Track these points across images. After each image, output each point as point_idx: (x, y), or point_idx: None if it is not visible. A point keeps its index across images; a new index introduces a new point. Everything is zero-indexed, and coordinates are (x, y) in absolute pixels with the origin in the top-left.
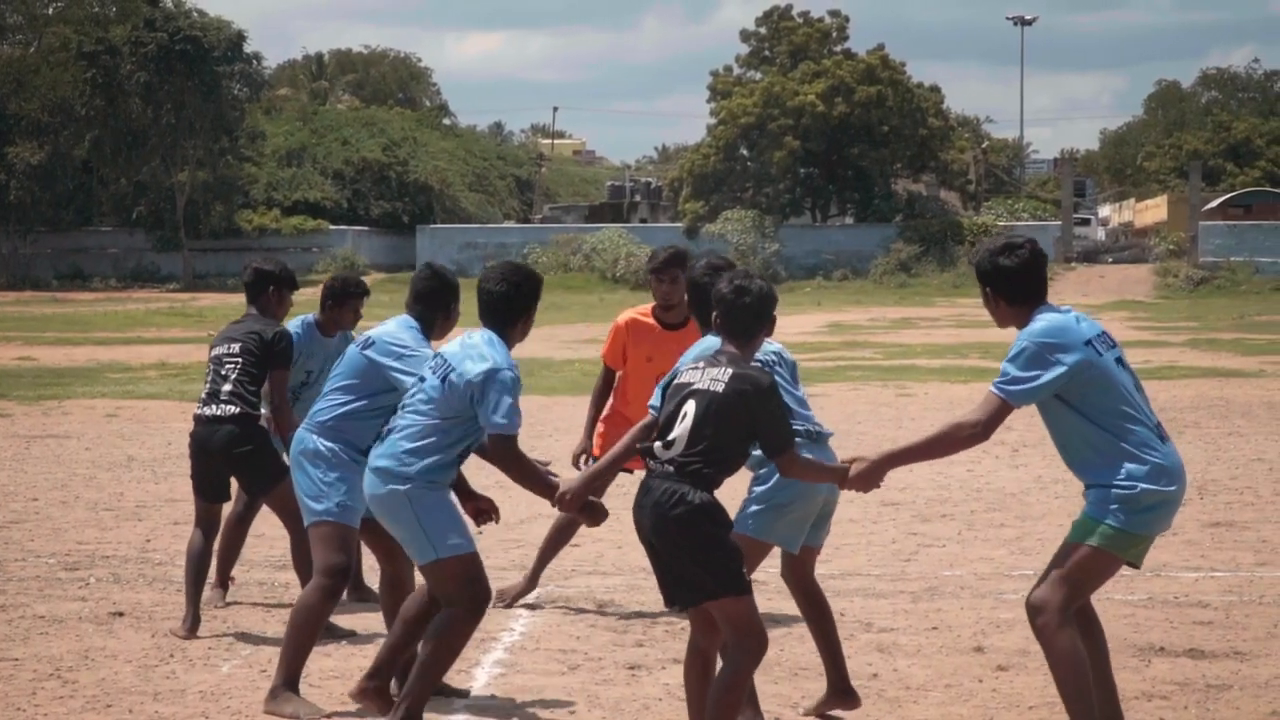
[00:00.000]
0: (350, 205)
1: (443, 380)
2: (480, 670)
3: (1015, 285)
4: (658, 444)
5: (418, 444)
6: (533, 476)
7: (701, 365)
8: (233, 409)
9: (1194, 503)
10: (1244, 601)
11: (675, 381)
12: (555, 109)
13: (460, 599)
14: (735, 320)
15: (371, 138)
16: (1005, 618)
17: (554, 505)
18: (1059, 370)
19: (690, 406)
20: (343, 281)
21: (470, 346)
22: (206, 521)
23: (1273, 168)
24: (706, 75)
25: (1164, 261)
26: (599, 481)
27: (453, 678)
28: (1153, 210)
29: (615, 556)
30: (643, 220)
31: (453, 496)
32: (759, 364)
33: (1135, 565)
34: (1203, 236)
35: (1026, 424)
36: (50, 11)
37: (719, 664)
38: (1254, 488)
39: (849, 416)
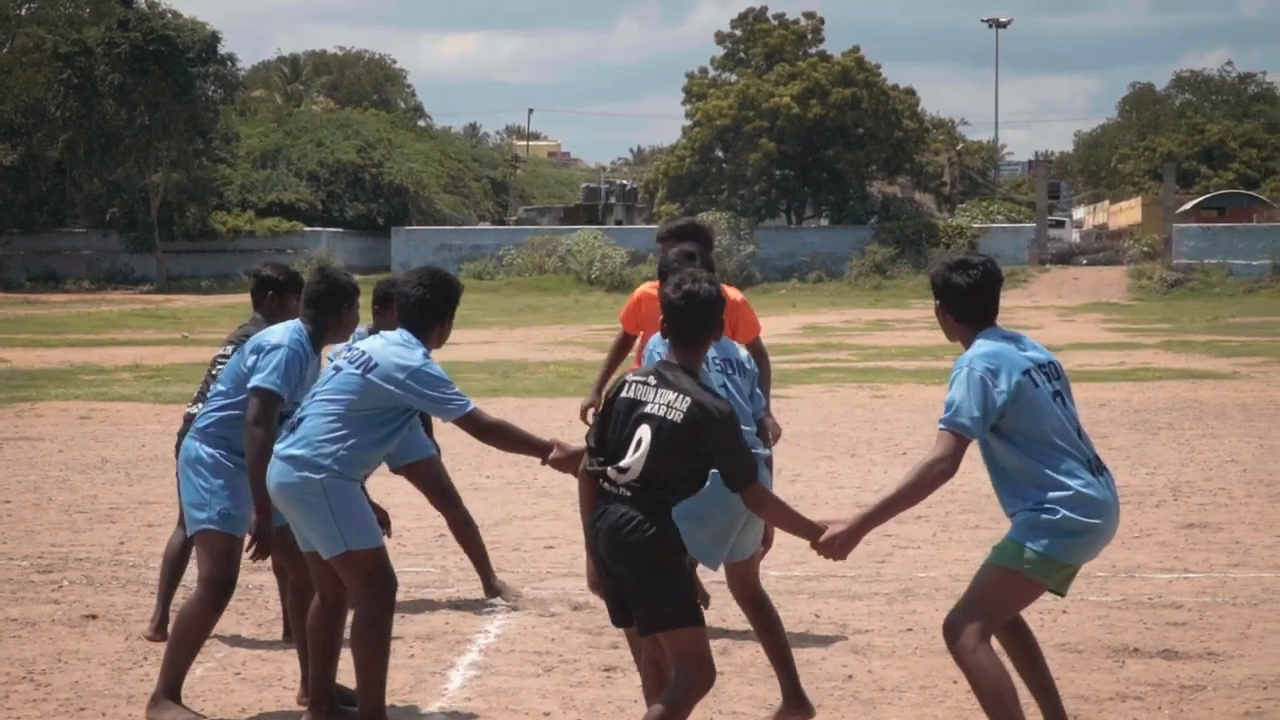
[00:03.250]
0: (325, 207)
1: (363, 373)
2: (455, 673)
3: (964, 303)
4: (611, 468)
5: (333, 434)
6: (518, 441)
7: (653, 382)
8: None
9: (1168, 504)
10: (1217, 603)
11: (624, 395)
12: (530, 111)
13: (368, 592)
14: (682, 325)
15: (346, 139)
16: None
17: (546, 463)
18: (999, 395)
19: (645, 433)
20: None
21: (391, 344)
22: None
23: (1246, 170)
24: (682, 77)
25: (1138, 264)
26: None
27: (427, 679)
28: (1127, 212)
29: None
30: (618, 222)
31: (363, 492)
32: (721, 362)
33: (1059, 593)
34: (1177, 239)
35: None
36: (24, 12)
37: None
38: (1227, 489)
39: (824, 419)
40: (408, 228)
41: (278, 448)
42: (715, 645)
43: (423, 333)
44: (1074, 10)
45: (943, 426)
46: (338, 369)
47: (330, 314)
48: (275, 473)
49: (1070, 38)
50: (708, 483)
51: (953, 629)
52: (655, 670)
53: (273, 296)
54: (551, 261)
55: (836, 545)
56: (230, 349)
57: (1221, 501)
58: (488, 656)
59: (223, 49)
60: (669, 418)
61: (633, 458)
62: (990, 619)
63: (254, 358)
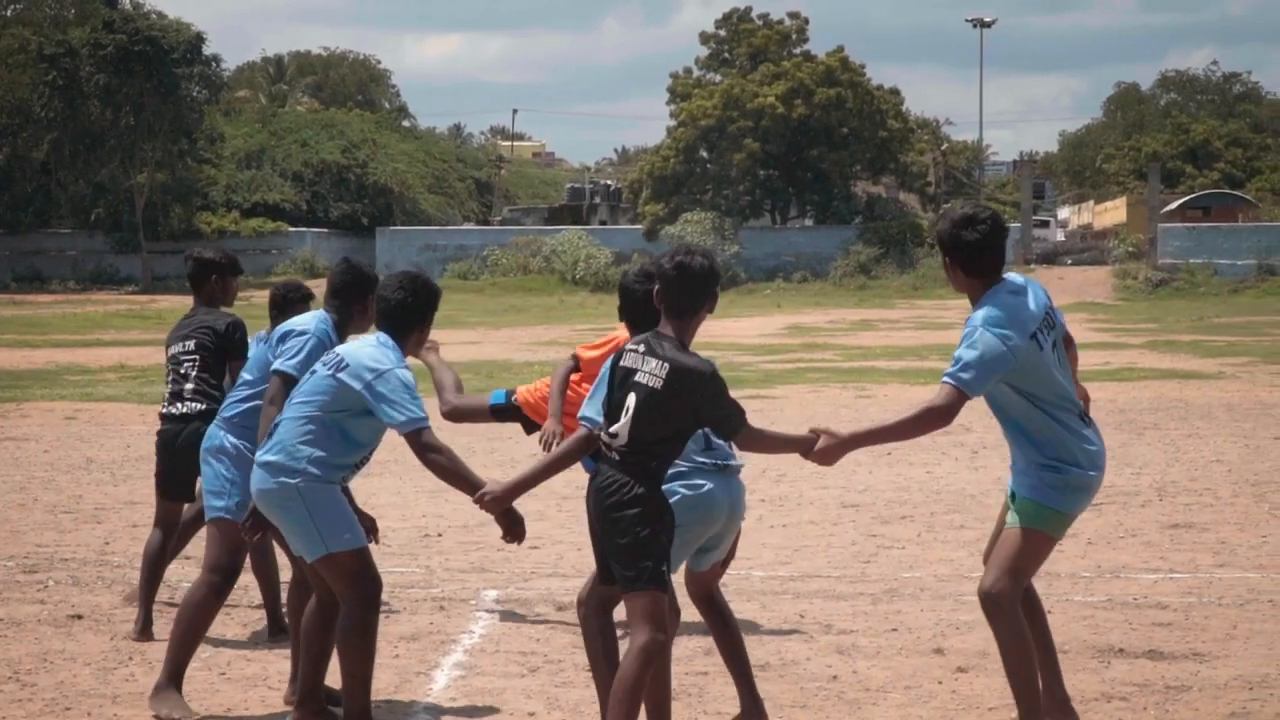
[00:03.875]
0: (309, 207)
1: (333, 373)
2: (440, 673)
3: (973, 257)
4: (610, 430)
5: (307, 437)
6: (455, 472)
7: (642, 350)
8: (198, 405)
9: (1153, 504)
10: (1203, 603)
11: (620, 364)
12: (515, 111)
13: (352, 594)
14: (676, 297)
15: (331, 140)
16: (965, 619)
17: (475, 503)
18: (1008, 360)
19: (632, 400)
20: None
21: (365, 346)
22: (166, 521)
23: (1231, 170)
24: (666, 77)
25: (1123, 263)
26: (526, 488)
27: (411, 679)
28: (1112, 212)
29: (575, 559)
30: (602, 222)
31: (343, 494)
32: None
33: (1059, 537)
34: (1162, 238)
35: (985, 425)
36: (8, 13)
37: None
38: (1213, 489)
39: (809, 418)
40: (392, 228)
41: (257, 454)
42: (700, 644)
43: (401, 337)
44: (1058, 10)
45: (946, 379)
46: (314, 371)
47: (355, 304)
48: (255, 479)
49: (1055, 37)
50: (687, 492)
51: (992, 595)
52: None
53: (216, 280)
54: (536, 262)
55: (828, 451)
56: (190, 343)
57: (1207, 502)
58: (472, 656)
59: (207, 49)
60: (650, 384)
61: (622, 423)
62: (1020, 580)
63: (281, 345)
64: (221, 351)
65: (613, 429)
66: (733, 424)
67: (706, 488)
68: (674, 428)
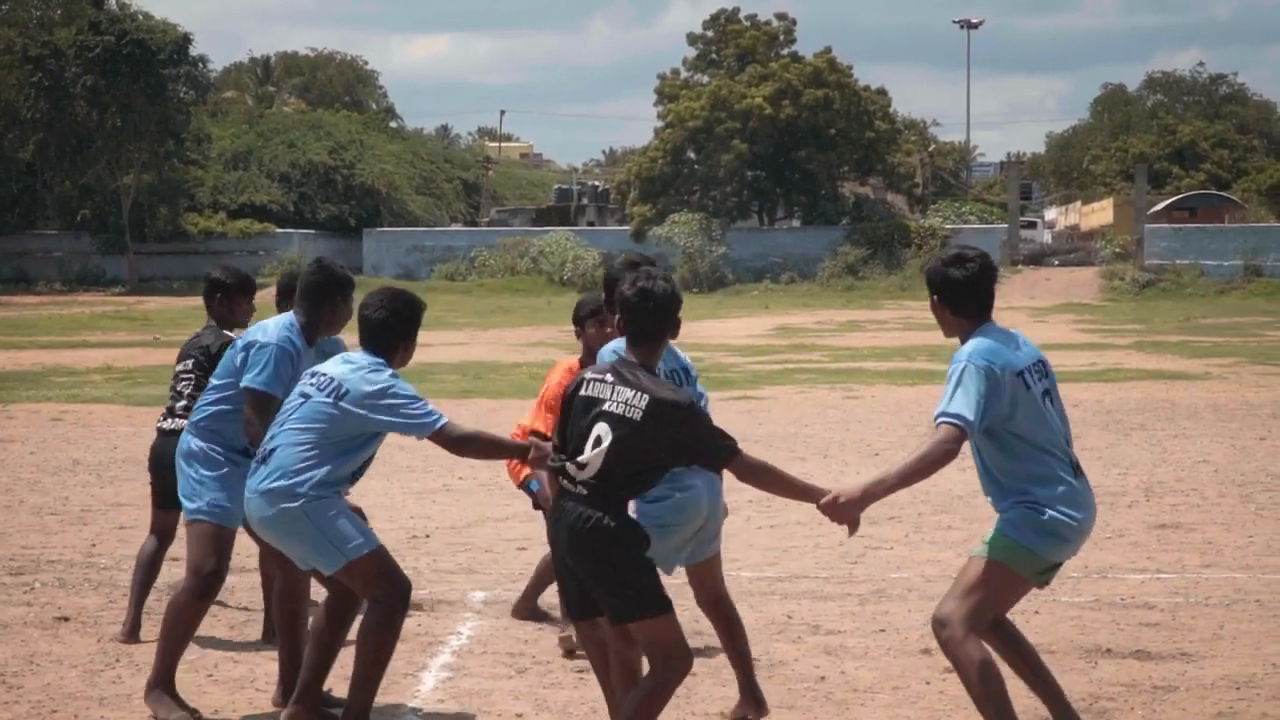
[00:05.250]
0: (297, 208)
1: (335, 401)
2: (428, 674)
3: (961, 297)
4: (571, 464)
5: (308, 462)
6: (495, 445)
7: (611, 380)
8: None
9: (1140, 505)
10: (1190, 603)
11: (582, 393)
12: (502, 112)
13: (384, 594)
14: (638, 323)
15: (318, 141)
16: None
17: (526, 462)
18: (998, 391)
19: (603, 430)
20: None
21: (358, 368)
22: (161, 529)
23: (1218, 171)
24: (654, 78)
25: (1110, 264)
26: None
27: (399, 681)
28: (1099, 213)
29: None
30: (590, 223)
31: (343, 501)
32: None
33: (1041, 586)
34: (1148, 239)
35: None
36: None
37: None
38: (1200, 489)
39: (796, 419)
40: (379, 229)
41: (251, 482)
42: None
43: (387, 354)
44: (1045, 11)
45: (941, 420)
46: (306, 396)
47: (325, 306)
48: (254, 508)
49: (1042, 39)
50: (679, 495)
51: (941, 621)
52: (623, 667)
53: (221, 300)
54: (524, 263)
55: (845, 507)
56: (188, 362)
57: (1194, 502)
58: (460, 658)
59: (194, 50)
60: (629, 415)
61: (591, 454)
62: (978, 611)
63: (244, 354)
64: (211, 370)
65: (581, 459)
66: (721, 456)
67: (695, 487)
68: (652, 461)
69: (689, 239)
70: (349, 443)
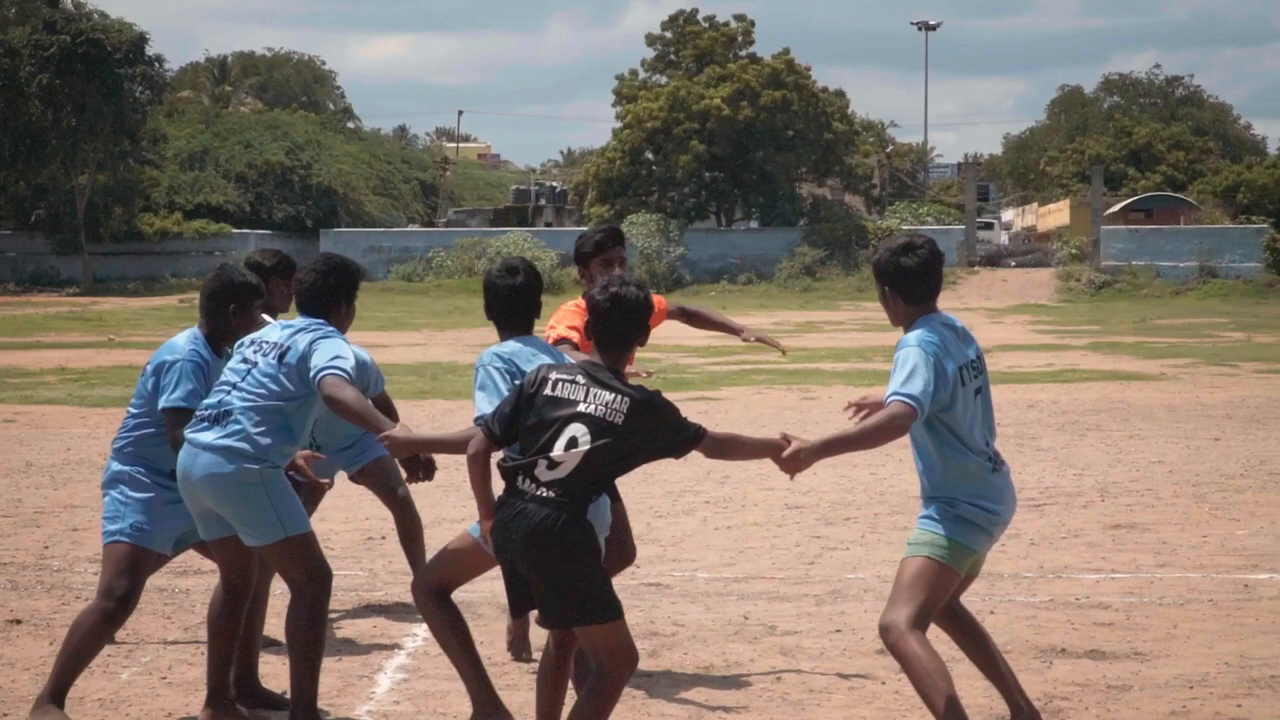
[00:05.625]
0: (253, 209)
1: (279, 361)
2: (383, 676)
3: (913, 284)
4: (542, 464)
5: (265, 425)
6: (360, 413)
7: (583, 381)
8: None
9: (1095, 505)
10: (1144, 603)
11: (547, 392)
12: (460, 112)
13: (306, 577)
14: (610, 329)
15: (275, 141)
16: None
17: (381, 438)
18: (944, 372)
19: (580, 432)
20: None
21: (297, 330)
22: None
23: (1174, 173)
24: (612, 79)
25: (1066, 265)
26: (427, 448)
27: (354, 683)
28: (1055, 214)
29: None
30: (548, 224)
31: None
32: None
33: (970, 576)
34: (1104, 241)
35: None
36: None
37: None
38: (1154, 490)
39: (754, 420)
40: (336, 230)
41: (201, 438)
42: (644, 647)
43: (324, 315)
44: (1002, 13)
45: (894, 398)
46: (251, 363)
47: (219, 314)
48: (204, 463)
49: (999, 40)
50: (614, 501)
51: (885, 627)
52: (551, 660)
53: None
54: (481, 263)
55: (799, 459)
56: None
57: (1148, 502)
58: (416, 660)
59: (150, 50)
60: (610, 419)
61: (566, 454)
62: (917, 607)
63: (154, 378)
64: None
65: (554, 456)
66: (691, 440)
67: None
68: (629, 463)
69: (647, 240)
70: (290, 408)
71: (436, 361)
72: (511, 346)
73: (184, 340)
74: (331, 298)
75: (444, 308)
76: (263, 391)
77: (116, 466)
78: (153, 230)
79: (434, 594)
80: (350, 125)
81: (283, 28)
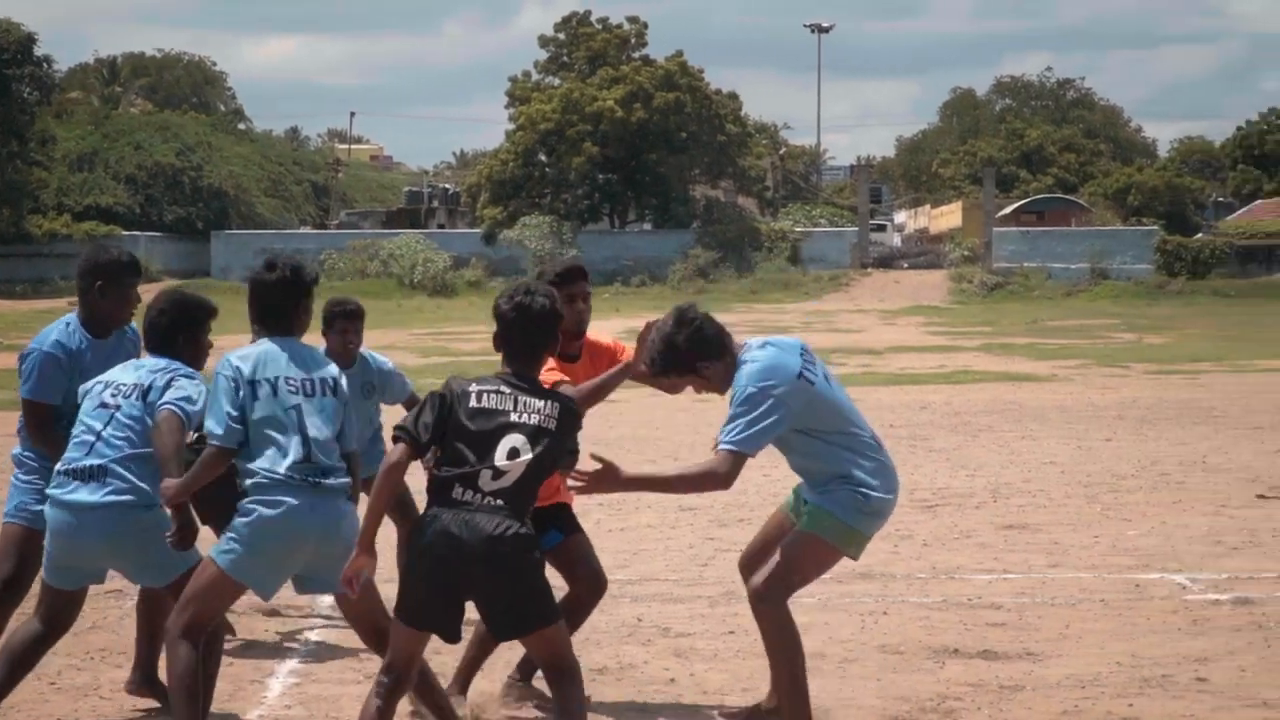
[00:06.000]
0: (143, 210)
1: (143, 401)
2: (275, 680)
3: (710, 348)
4: (486, 474)
5: (145, 470)
6: (167, 460)
7: (508, 391)
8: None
9: (987, 506)
10: (1036, 603)
11: (473, 405)
12: (352, 114)
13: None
14: (516, 340)
15: (165, 142)
16: (802, 621)
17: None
18: (782, 410)
19: (519, 442)
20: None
21: (148, 366)
22: None
23: (1065, 175)
24: (505, 81)
25: (958, 267)
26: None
27: (245, 687)
28: (948, 216)
29: None
30: (440, 226)
31: None
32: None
33: (854, 558)
34: (996, 242)
35: None
36: None
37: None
38: (1046, 490)
39: (647, 423)
40: (228, 232)
41: (78, 498)
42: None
43: (169, 354)
44: (895, 15)
45: (724, 447)
46: (114, 407)
47: (89, 294)
48: (95, 524)
49: (891, 43)
50: (269, 511)
51: (763, 589)
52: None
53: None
54: (374, 265)
55: (601, 480)
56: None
57: (1040, 503)
58: (308, 664)
59: (39, 50)
60: (546, 425)
61: (510, 463)
62: (796, 583)
63: (20, 364)
64: None
65: (501, 467)
66: (573, 453)
67: (287, 505)
68: (549, 474)
69: (540, 242)
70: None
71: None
72: (262, 348)
73: (51, 329)
74: (169, 336)
75: None
76: (132, 437)
77: (14, 450)
78: (41, 232)
79: (185, 633)
80: (241, 126)
81: (173, 28)
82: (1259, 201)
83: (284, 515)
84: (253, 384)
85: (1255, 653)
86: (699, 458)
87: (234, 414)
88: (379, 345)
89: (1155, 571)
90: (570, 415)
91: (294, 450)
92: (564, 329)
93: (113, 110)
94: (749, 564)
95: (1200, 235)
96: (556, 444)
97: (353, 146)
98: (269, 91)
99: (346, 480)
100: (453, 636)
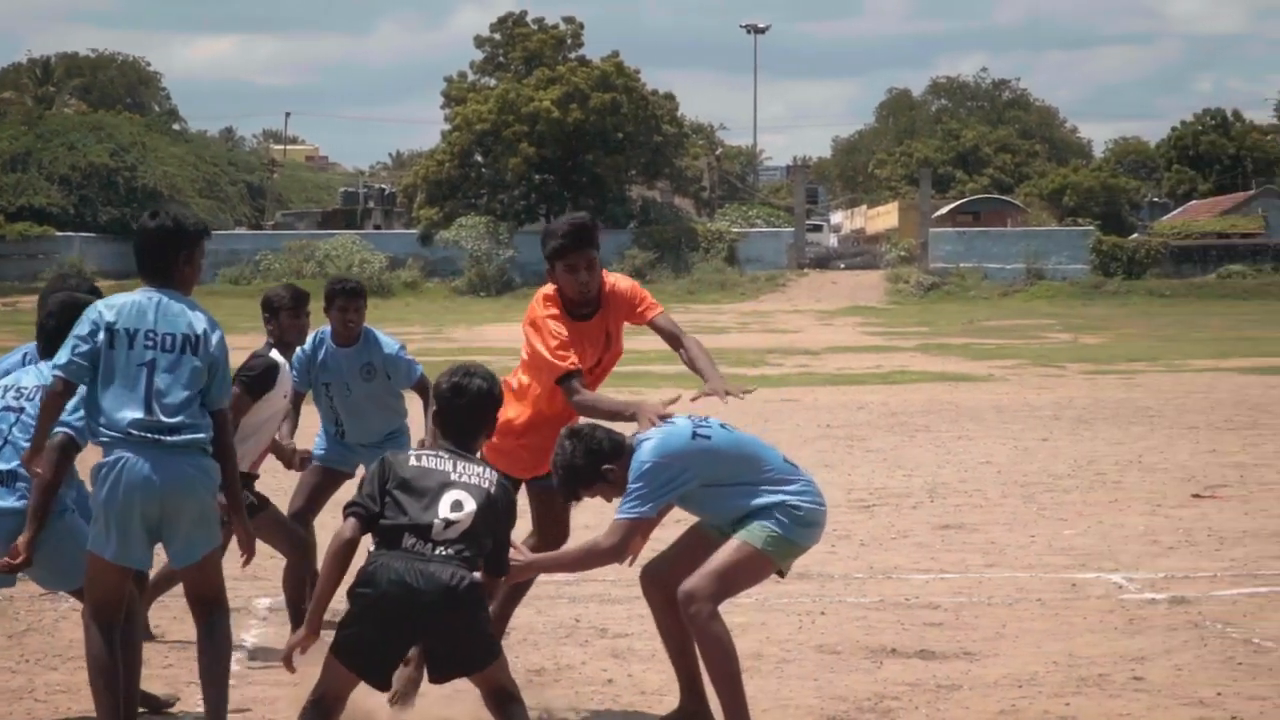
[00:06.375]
0: (77, 211)
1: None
2: None
3: (607, 451)
4: (438, 524)
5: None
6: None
7: (446, 455)
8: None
9: (924, 506)
10: (973, 603)
11: (414, 464)
12: (287, 114)
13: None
14: (452, 420)
15: (99, 143)
16: (739, 622)
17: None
18: (681, 472)
19: (462, 495)
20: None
21: (45, 369)
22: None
23: (1001, 175)
24: (441, 81)
25: (895, 268)
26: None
27: (182, 689)
28: (884, 217)
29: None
30: (376, 227)
31: None
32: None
33: (782, 574)
34: (933, 243)
35: (759, 429)
36: None
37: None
38: (983, 490)
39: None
40: None
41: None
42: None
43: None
44: (831, 16)
45: (621, 516)
46: (19, 410)
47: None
48: (14, 529)
49: (828, 43)
50: (107, 473)
51: (692, 597)
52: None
53: (268, 320)
54: (310, 266)
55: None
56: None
57: (977, 503)
58: (244, 666)
59: None
60: (485, 486)
61: (456, 515)
62: (728, 591)
63: None
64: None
65: (454, 519)
66: (504, 566)
67: (125, 461)
68: (492, 539)
69: (476, 242)
70: (81, 434)
71: None
72: (131, 299)
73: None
74: (59, 337)
75: None
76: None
77: None
78: None
79: (92, 616)
80: (176, 127)
81: (107, 29)
82: (1194, 202)
83: (121, 473)
84: (112, 332)
85: (1191, 651)
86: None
87: (82, 349)
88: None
89: (1092, 571)
90: (506, 493)
91: (137, 407)
92: (568, 298)
93: (46, 110)
94: (656, 576)
95: (1135, 236)
96: (492, 508)
97: (288, 147)
98: (204, 92)
99: (197, 437)
100: (385, 684)
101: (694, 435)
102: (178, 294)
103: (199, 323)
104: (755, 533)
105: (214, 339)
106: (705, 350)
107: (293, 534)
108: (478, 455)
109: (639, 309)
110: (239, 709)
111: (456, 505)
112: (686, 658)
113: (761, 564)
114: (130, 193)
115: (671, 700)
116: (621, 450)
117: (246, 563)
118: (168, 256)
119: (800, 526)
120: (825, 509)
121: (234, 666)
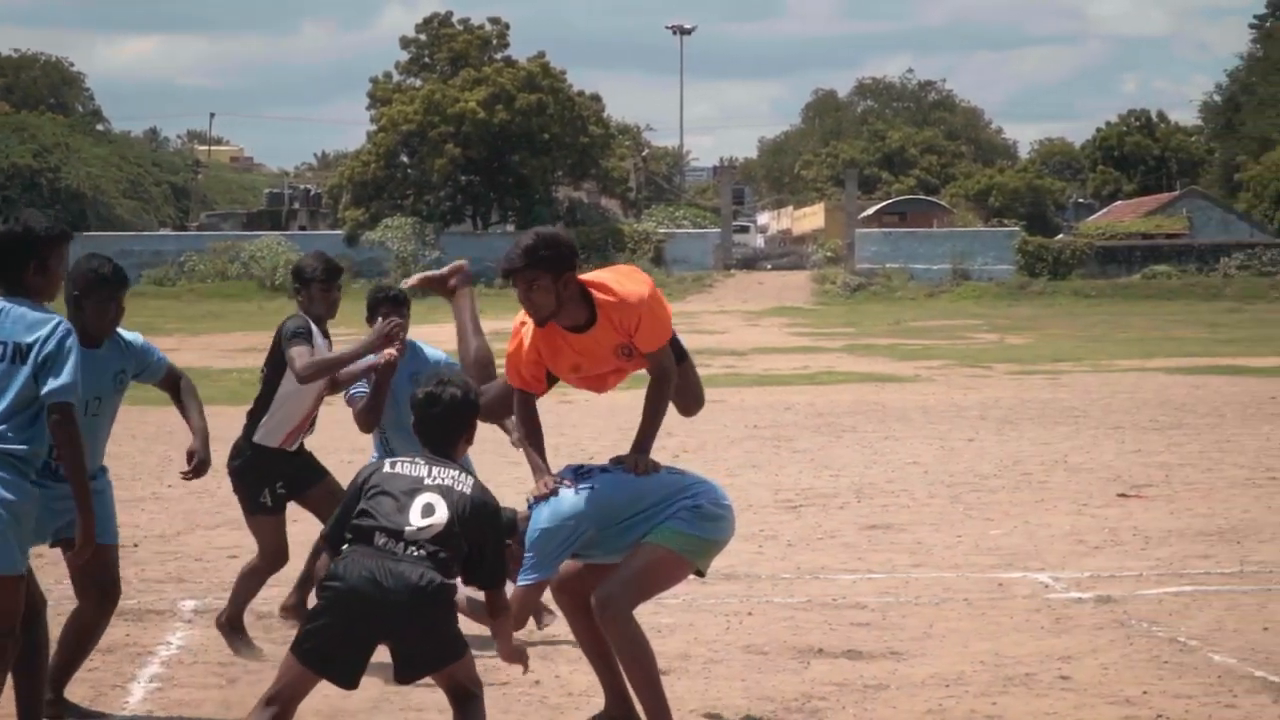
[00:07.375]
0: (0, 213)
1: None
2: (136, 685)
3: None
4: (410, 527)
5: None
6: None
7: (423, 461)
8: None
9: (851, 506)
10: (900, 603)
11: (387, 470)
12: (212, 115)
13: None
14: (428, 429)
15: (22, 144)
16: (666, 623)
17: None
18: (577, 531)
19: (435, 499)
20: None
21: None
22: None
23: (927, 176)
24: (367, 82)
25: (821, 268)
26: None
27: (107, 693)
28: (810, 218)
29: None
30: (302, 227)
31: None
32: None
33: (701, 574)
34: (859, 244)
35: (687, 430)
36: None
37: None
38: (909, 490)
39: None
40: (86, 234)
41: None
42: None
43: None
44: (757, 16)
45: (521, 583)
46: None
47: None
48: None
49: (753, 44)
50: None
51: (606, 603)
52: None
53: (298, 290)
54: (235, 268)
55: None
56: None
57: (904, 503)
58: (170, 668)
59: None
60: (459, 489)
61: (429, 520)
62: (643, 596)
63: None
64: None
65: (425, 524)
66: (497, 576)
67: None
68: (468, 546)
69: (402, 243)
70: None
71: (190, 367)
72: None
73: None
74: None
75: (197, 312)
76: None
77: None
78: None
79: None
80: (100, 128)
81: (29, 28)
82: (1119, 202)
83: None
84: None
85: (1117, 650)
86: (560, 458)
87: None
88: (240, 347)
89: (1018, 570)
90: (485, 497)
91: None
92: (531, 316)
93: None
94: (566, 583)
95: (1061, 236)
96: (467, 511)
97: (212, 148)
98: (127, 92)
99: (13, 448)
100: (351, 684)
101: (578, 490)
102: (31, 302)
103: (38, 329)
104: (664, 535)
105: (53, 340)
106: (663, 406)
107: (283, 551)
108: (457, 461)
109: (634, 339)
110: (165, 713)
111: (428, 509)
112: (606, 660)
113: (675, 565)
114: (54, 194)
115: (598, 701)
116: (514, 526)
117: (82, 559)
118: (16, 261)
119: (704, 521)
120: (728, 503)
121: (159, 669)
